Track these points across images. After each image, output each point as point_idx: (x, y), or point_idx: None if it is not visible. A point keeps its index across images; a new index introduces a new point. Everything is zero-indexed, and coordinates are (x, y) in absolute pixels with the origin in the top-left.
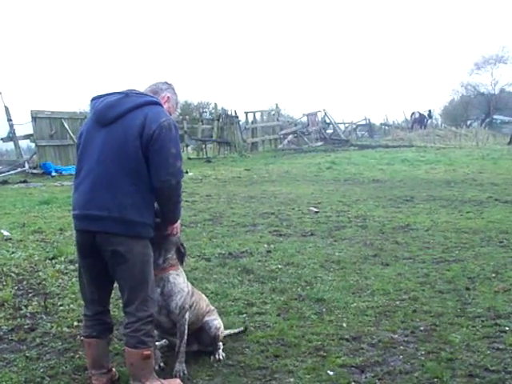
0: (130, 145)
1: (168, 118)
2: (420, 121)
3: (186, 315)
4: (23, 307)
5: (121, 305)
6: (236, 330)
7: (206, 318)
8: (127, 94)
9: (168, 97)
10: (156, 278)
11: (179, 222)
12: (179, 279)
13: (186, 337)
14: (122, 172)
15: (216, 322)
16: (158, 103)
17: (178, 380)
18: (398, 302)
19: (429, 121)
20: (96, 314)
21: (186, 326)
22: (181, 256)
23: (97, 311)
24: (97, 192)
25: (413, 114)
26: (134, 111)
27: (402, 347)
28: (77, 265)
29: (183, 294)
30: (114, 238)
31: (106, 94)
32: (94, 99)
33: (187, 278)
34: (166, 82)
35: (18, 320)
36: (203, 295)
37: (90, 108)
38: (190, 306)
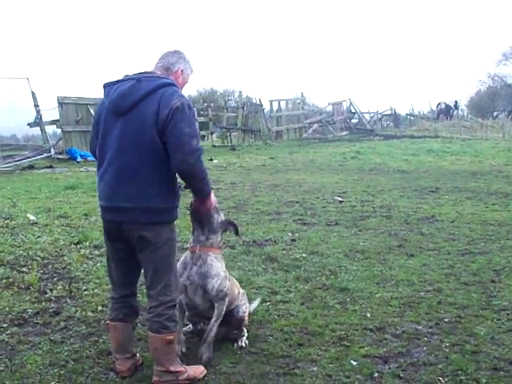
0: (147, 133)
1: (179, 99)
2: (446, 111)
3: (226, 299)
4: (48, 291)
5: (145, 290)
6: (255, 304)
7: (237, 303)
8: (139, 80)
9: (181, 70)
10: (194, 254)
11: (213, 196)
12: (217, 263)
13: (220, 320)
14: (143, 161)
15: (244, 306)
16: (170, 84)
17: (202, 367)
18: (422, 293)
19: (455, 112)
20: (123, 297)
21: (224, 309)
22: (235, 230)
23: (124, 294)
24: (120, 183)
25: (439, 104)
26: (148, 98)
27: (426, 339)
28: (102, 250)
29: (220, 278)
30: (141, 226)
31: (118, 81)
32: (106, 86)
33: None
34: (176, 52)
35: (43, 304)
36: (235, 280)
37: (103, 95)
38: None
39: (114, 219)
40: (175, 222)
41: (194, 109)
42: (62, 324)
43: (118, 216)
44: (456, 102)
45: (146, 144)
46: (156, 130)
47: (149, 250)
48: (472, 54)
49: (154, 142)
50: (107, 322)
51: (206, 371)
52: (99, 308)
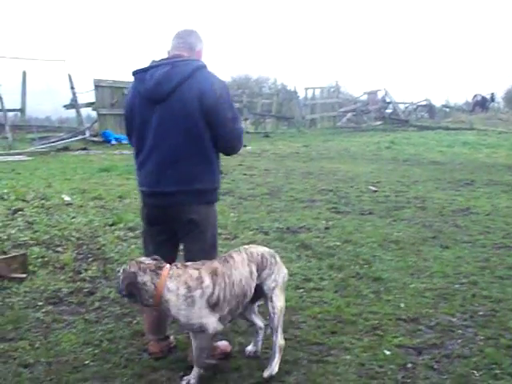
0: (191, 118)
1: (218, 84)
2: (482, 104)
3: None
4: (83, 271)
5: None
6: None
7: None
8: (173, 64)
9: (200, 50)
10: None
11: None
12: None
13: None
14: (187, 145)
15: None
16: (203, 66)
17: (226, 342)
18: (457, 286)
19: (491, 104)
20: None
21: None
22: None
23: None
24: (165, 168)
25: (475, 96)
26: (186, 82)
27: (460, 331)
28: (136, 232)
29: None
30: (189, 208)
31: (150, 67)
32: (137, 73)
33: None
34: (193, 31)
35: (78, 283)
36: None
37: (135, 82)
38: None
39: (159, 204)
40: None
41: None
42: (97, 304)
43: (164, 200)
44: (492, 94)
45: (189, 128)
46: (199, 114)
47: (196, 231)
48: (510, 46)
49: (197, 125)
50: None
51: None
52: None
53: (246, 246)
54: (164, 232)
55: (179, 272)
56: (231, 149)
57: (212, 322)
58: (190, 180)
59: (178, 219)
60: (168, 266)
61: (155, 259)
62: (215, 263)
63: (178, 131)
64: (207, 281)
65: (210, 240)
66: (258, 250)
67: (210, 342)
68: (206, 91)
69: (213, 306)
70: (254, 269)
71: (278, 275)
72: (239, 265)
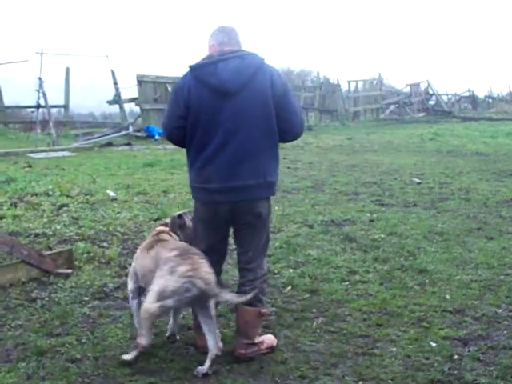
0: (266, 108)
1: (281, 75)
2: None
3: None
4: (128, 266)
5: (240, 265)
6: None
7: None
8: (242, 57)
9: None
10: None
11: None
12: None
13: None
14: (264, 137)
15: None
16: (264, 59)
17: (272, 335)
18: (502, 277)
19: None
20: None
21: None
22: None
23: None
24: (242, 162)
25: None
26: (258, 73)
27: (506, 322)
28: None
29: None
30: (259, 202)
31: (218, 60)
32: (201, 66)
33: (291, 244)
34: (233, 29)
35: (124, 278)
36: None
37: (201, 75)
38: None
39: (230, 199)
40: None
41: None
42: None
43: (237, 195)
44: None
45: (264, 119)
46: (272, 104)
47: (260, 225)
48: None
49: (271, 116)
50: None
51: (276, 340)
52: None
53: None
54: (221, 229)
55: None
56: (297, 135)
57: None
58: (266, 172)
59: (246, 214)
60: None
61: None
62: None
63: (253, 122)
64: None
65: (268, 234)
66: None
67: None
68: (275, 80)
69: None
70: None
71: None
72: None
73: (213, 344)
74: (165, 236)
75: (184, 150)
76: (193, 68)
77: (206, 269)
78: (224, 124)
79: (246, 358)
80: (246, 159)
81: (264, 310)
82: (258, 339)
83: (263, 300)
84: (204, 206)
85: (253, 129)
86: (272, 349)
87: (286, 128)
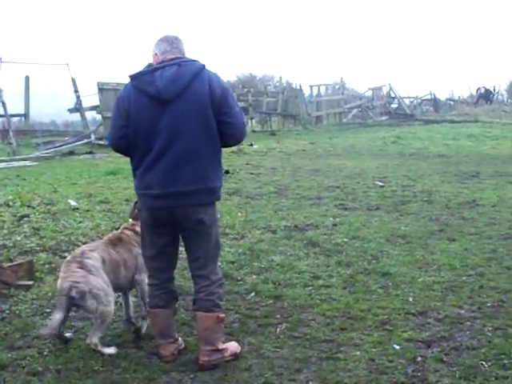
0: (204, 114)
1: (221, 80)
2: (486, 96)
3: None
4: None
5: (187, 275)
6: None
7: None
8: (180, 64)
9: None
10: None
11: None
12: None
13: None
14: (204, 142)
15: None
16: (205, 66)
17: (236, 343)
18: (464, 278)
19: (494, 96)
20: (163, 282)
21: None
22: None
23: (164, 279)
24: (179, 168)
25: (478, 89)
26: (195, 80)
27: (468, 323)
28: None
29: None
30: (200, 208)
31: (156, 68)
32: (140, 75)
33: (254, 250)
34: (178, 38)
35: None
36: None
37: (139, 84)
38: None
39: (170, 205)
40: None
41: (234, 93)
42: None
43: (176, 201)
44: (494, 88)
45: (202, 125)
46: (211, 110)
47: (203, 231)
48: None
49: (210, 122)
50: (148, 309)
51: (240, 347)
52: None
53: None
54: (168, 233)
55: None
56: (239, 140)
57: None
58: (204, 178)
59: (185, 219)
60: None
61: None
62: None
63: (192, 129)
64: None
65: (217, 240)
66: None
67: None
68: (214, 85)
69: None
70: None
71: None
72: None
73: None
74: (126, 232)
75: None
76: (132, 77)
77: (63, 276)
78: (163, 131)
79: (210, 366)
80: (185, 165)
81: (222, 315)
82: (221, 346)
83: (221, 305)
84: (146, 212)
85: (192, 135)
86: (236, 356)
87: (228, 132)
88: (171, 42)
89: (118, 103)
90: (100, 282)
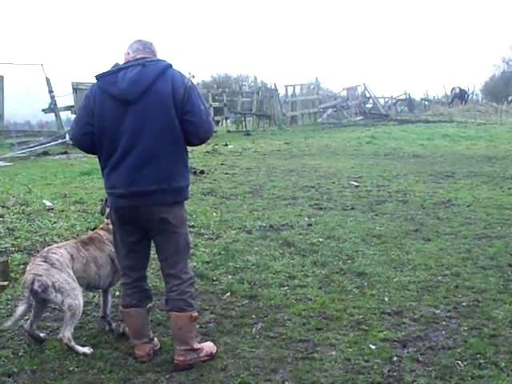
0: (167, 114)
1: (188, 79)
2: (460, 96)
3: None
4: None
5: (162, 272)
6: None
7: None
8: (144, 65)
9: (157, 53)
10: None
11: None
12: None
13: None
14: (167, 142)
15: None
16: (171, 66)
17: (212, 343)
18: (440, 278)
19: (469, 96)
20: (135, 281)
21: None
22: None
23: (135, 277)
24: (141, 168)
25: (453, 89)
26: (158, 80)
27: (444, 322)
28: None
29: None
30: (163, 208)
31: (120, 69)
32: (104, 75)
33: (229, 250)
34: (151, 42)
35: None
36: None
37: (103, 84)
38: None
39: (133, 204)
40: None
41: (209, 94)
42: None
43: (140, 200)
44: (468, 88)
45: (165, 125)
46: (174, 110)
47: (170, 230)
48: (487, 39)
49: (173, 122)
50: (121, 309)
51: (216, 347)
52: (117, 293)
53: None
54: (137, 233)
55: None
56: (204, 139)
57: None
58: (167, 178)
59: (150, 219)
60: None
61: None
62: None
63: (154, 129)
64: None
65: (185, 239)
66: None
67: None
68: (177, 85)
69: None
70: None
71: None
72: None
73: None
74: (99, 231)
75: None
76: (97, 78)
77: (28, 270)
78: (127, 132)
79: (185, 366)
80: (148, 165)
81: (195, 314)
82: (196, 345)
83: (193, 304)
84: (113, 211)
85: (154, 135)
86: (212, 356)
87: (192, 131)
88: (144, 43)
89: (85, 101)
90: (64, 276)
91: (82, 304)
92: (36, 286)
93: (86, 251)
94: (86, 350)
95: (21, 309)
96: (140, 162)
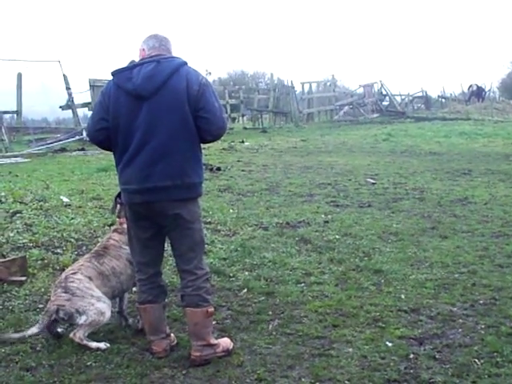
0: (181, 110)
1: (203, 76)
2: (477, 94)
3: None
4: None
5: (178, 267)
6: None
7: None
8: (159, 61)
9: (172, 50)
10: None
11: None
12: None
13: None
14: (180, 138)
15: None
16: (186, 63)
17: (228, 339)
18: (456, 275)
19: (486, 94)
20: (150, 277)
21: None
22: None
23: (150, 273)
24: (156, 163)
25: (470, 86)
26: (174, 76)
27: (461, 320)
28: None
29: None
30: (176, 203)
31: (135, 65)
32: (120, 72)
33: (246, 247)
34: (166, 38)
35: None
36: None
37: (118, 80)
38: None
39: (147, 200)
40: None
41: (226, 91)
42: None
43: (153, 196)
44: (485, 85)
45: (179, 121)
46: (188, 106)
47: (184, 226)
48: (504, 36)
49: (187, 118)
50: (137, 305)
51: (232, 343)
52: (134, 289)
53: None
54: (151, 228)
55: None
56: (217, 136)
57: None
58: (181, 174)
59: (163, 215)
60: None
61: None
62: None
63: (168, 125)
64: None
65: (199, 235)
66: None
67: None
68: (192, 81)
69: None
70: None
71: None
72: None
73: None
74: (114, 236)
75: None
76: (113, 74)
77: (51, 300)
78: (141, 127)
79: (201, 361)
80: (161, 161)
81: (211, 309)
82: (213, 341)
83: (209, 299)
84: (128, 207)
85: (168, 131)
86: (228, 352)
87: (205, 128)
88: (160, 40)
89: (101, 97)
90: (87, 300)
91: (107, 317)
92: (61, 315)
93: (101, 265)
94: (102, 345)
95: (33, 330)
96: (153, 157)
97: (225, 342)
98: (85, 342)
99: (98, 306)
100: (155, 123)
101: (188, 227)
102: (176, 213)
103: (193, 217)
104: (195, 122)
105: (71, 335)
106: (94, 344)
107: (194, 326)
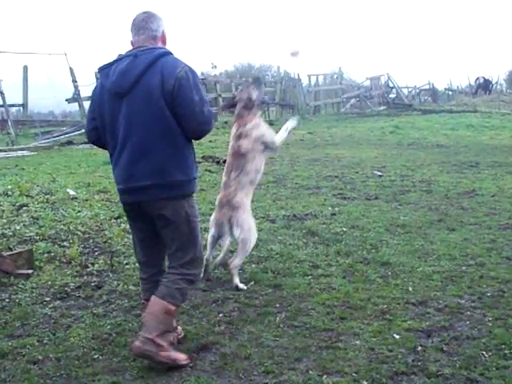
0: (156, 106)
1: (182, 67)
2: (484, 86)
3: None
4: (90, 265)
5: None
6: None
7: None
8: (135, 55)
9: (163, 31)
10: None
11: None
12: None
13: None
14: (160, 135)
15: None
16: (167, 53)
17: (184, 356)
18: (464, 268)
19: (493, 86)
20: (151, 276)
21: None
22: None
23: (151, 273)
24: (136, 163)
25: (477, 79)
26: (148, 71)
27: (468, 313)
28: None
29: None
30: (159, 203)
31: (115, 61)
32: (103, 68)
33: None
34: (151, 15)
35: (85, 277)
36: None
37: (101, 78)
38: None
39: (133, 200)
40: (194, 197)
41: (232, 83)
42: (104, 298)
43: (138, 196)
44: (493, 78)
45: (156, 118)
46: (164, 102)
47: (170, 227)
48: (511, 28)
49: (163, 114)
50: (143, 302)
51: (188, 362)
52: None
53: None
54: (146, 228)
55: None
56: (199, 132)
57: None
58: (163, 173)
59: (151, 214)
60: None
61: None
62: None
63: (144, 122)
64: None
65: (188, 237)
66: None
67: None
68: (166, 75)
69: None
70: None
71: None
72: None
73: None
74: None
75: None
76: (98, 70)
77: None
78: (122, 125)
79: (139, 353)
80: (141, 159)
81: (172, 308)
82: (161, 341)
83: (178, 299)
84: (123, 207)
85: (145, 129)
86: (174, 363)
87: (185, 125)
88: (141, 26)
89: (92, 95)
90: (245, 215)
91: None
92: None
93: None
94: (243, 285)
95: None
96: (134, 156)
97: (177, 355)
98: (235, 271)
99: (250, 226)
100: (133, 121)
101: (175, 227)
102: (160, 213)
103: (178, 217)
104: (175, 119)
105: (229, 261)
106: (238, 280)
107: (148, 315)
